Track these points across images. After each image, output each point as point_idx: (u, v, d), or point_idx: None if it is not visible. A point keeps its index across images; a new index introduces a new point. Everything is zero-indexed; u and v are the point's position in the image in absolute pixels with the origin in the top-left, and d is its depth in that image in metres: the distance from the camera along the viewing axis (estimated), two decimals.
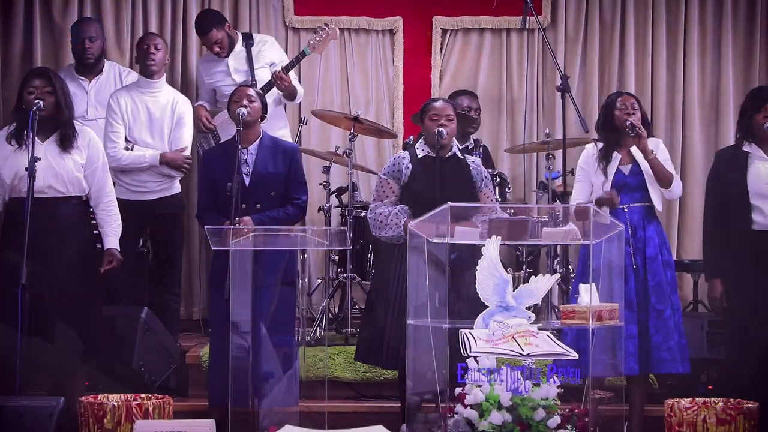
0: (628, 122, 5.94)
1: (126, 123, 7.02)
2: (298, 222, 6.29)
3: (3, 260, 5.71)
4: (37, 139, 5.76)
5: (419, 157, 5.96)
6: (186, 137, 7.10)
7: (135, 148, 6.99)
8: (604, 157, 6.03)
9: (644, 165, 5.99)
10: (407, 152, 6.04)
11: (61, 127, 5.84)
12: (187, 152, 7.10)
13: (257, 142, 6.04)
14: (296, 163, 6.13)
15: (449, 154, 5.96)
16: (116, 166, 6.96)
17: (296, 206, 6.07)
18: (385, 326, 5.79)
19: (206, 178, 6.12)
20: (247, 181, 5.96)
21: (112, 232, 5.94)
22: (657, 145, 6.07)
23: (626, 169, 6.03)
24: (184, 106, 7.16)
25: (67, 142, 5.82)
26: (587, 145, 6.24)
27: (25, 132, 5.79)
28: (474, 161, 6.06)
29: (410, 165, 5.94)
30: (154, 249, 7.27)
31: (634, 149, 6.02)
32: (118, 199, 6.79)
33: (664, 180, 5.98)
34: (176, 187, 7.13)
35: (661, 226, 6.11)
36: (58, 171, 5.79)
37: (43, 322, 5.67)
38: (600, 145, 6.10)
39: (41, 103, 5.75)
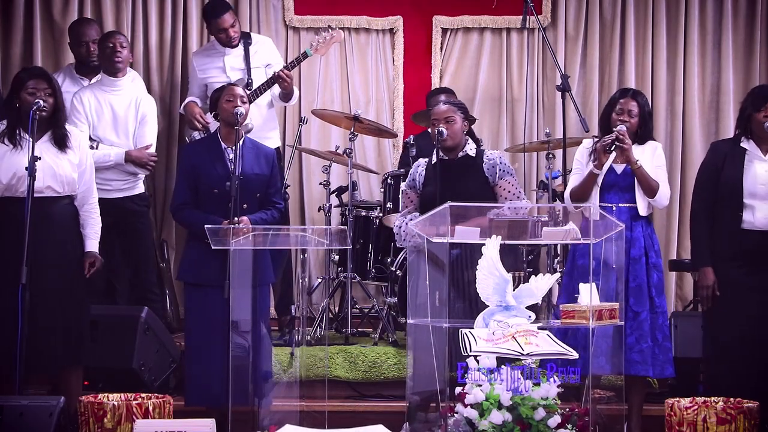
0: (613, 133, 5.92)
1: (90, 122, 7.00)
2: None
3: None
4: (29, 138, 5.76)
5: (433, 162, 6.00)
6: (150, 135, 7.09)
7: (100, 146, 6.98)
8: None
9: None
10: (425, 160, 6.12)
11: (53, 128, 5.83)
12: (152, 149, 7.09)
13: (240, 142, 6.02)
14: (276, 168, 6.15)
15: (461, 154, 5.97)
16: None
17: (278, 210, 6.09)
18: None
19: (187, 173, 6.03)
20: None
21: (94, 234, 5.93)
22: (654, 150, 6.04)
23: (619, 168, 6.01)
24: (148, 104, 7.14)
25: (62, 142, 5.82)
26: (585, 140, 6.23)
27: (18, 131, 5.77)
28: (490, 156, 6.05)
29: (423, 172, 6.03)
30: (125, 248, 7.21)
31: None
32: None
33: (647, 189, 5.95)
34: (140, 187, 7.14)
35: (650, 227, 6.08)
36: (57, 171, 5.78)
37: (35, 321, 5.66)
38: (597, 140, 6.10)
39: (41, 102, 5.74)
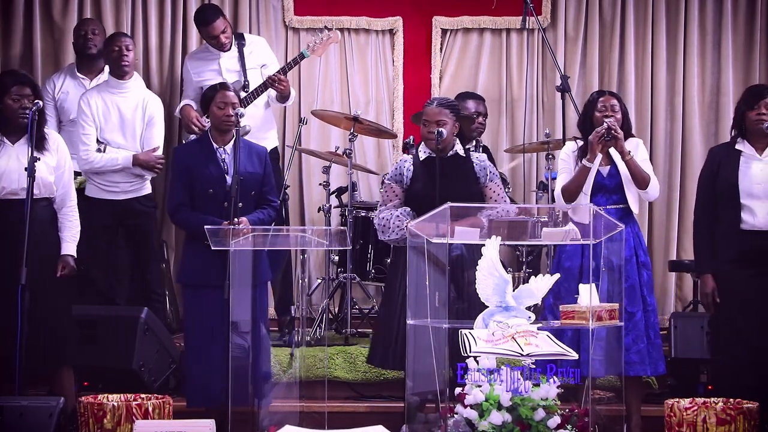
0: (604, 125, 5.92)
1: (97, 124, 6.99)
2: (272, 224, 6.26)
3: None
4: (7, 141, 5.82)
5: (421, 159, 5.99)
6: (158, 137, 7.10)
7: (107, 149, 6.98)
8: (584, 155, 6.02)
9: (622, 166, 5.98)
10: (410, 155, 6.09)
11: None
12: (159, 152, 7.10)
13: (232, 142, 6.03)
14: (269, 166, 6.15)
15: (451, 153, 5.98)
16: (89, 168, 6.99)
17: (273, 209, 6.10)
18: (393, 329, 5.80)
19: (181, 175, 6.02)
20: (228, 180, 5.95)
21: (71, 237, 5.92)
22: (637, 146, 6.05)
23: (604, 170, 6.01)
24: (155, 106, 7.15)
25: (39, 144, 5.82)
26: (568, 142, 6.24)
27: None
28: (479, 158, 6.07)
29: (411, 167, 5.99)
30: (131, 248, 7.22)
31: (612, 150, 6.01)
32: (91, 197, 6.88)
33: (640, 181, 5.97)
34: (147, 188, 7.15)
35: (637, 226, 6.11)
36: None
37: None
38: (580, 143, 6.10)
39: (40, 104, 5.77)
